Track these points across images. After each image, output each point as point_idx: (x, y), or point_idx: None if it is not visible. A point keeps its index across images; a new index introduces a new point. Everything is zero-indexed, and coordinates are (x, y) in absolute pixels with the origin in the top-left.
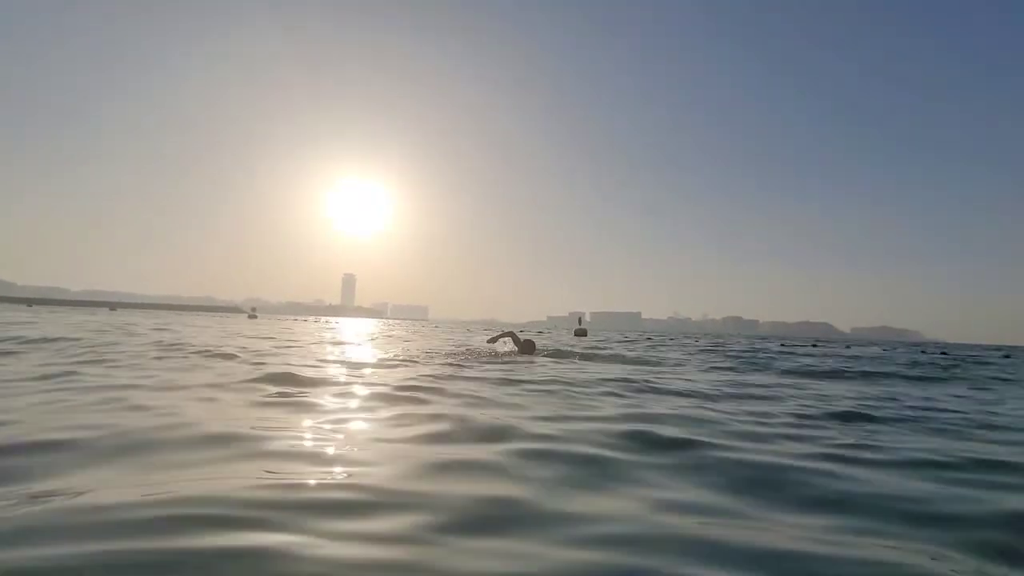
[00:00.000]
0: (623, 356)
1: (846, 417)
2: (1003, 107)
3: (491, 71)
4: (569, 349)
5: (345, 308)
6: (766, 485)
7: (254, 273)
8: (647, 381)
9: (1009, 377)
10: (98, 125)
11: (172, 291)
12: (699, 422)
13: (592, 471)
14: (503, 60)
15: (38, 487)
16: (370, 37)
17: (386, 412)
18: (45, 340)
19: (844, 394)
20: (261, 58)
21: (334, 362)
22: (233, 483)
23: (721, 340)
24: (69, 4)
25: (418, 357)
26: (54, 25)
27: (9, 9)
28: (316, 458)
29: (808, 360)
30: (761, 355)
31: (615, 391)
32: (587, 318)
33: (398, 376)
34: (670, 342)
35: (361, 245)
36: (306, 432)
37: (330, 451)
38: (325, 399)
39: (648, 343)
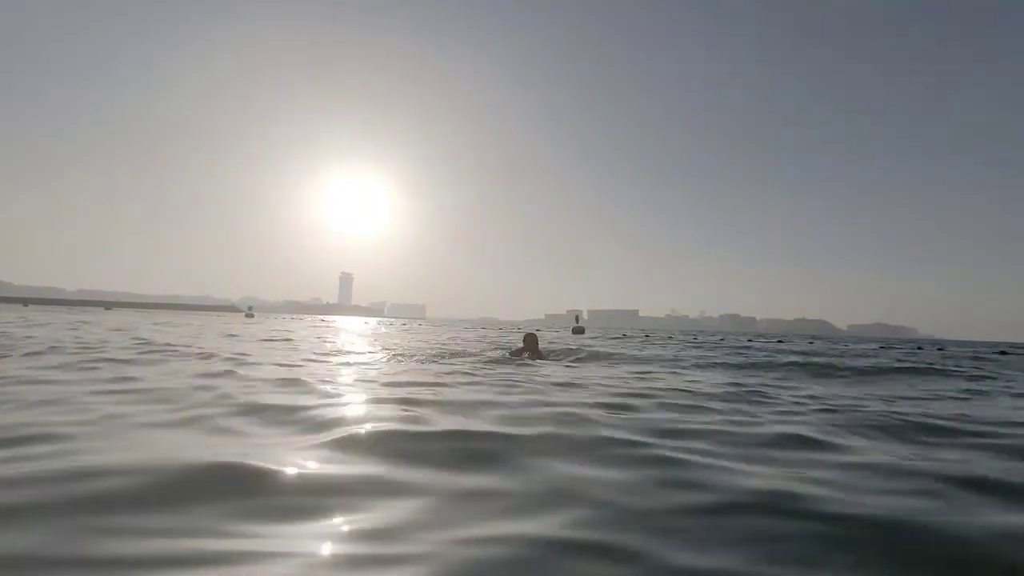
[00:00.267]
0: (604, 354)
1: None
2: (1001, 105)
3: (490, 70)
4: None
5: (342, 307)
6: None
7: (251, 272)
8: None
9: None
10: (96, 124)
11: (170, 291)
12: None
13: None
14: (502, 59)
15: None
16: (370, 37)
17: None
18: None
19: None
20: (259, 56)
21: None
22: None
23: (721, 338)
24: (59, 2)
25: (401, 357)
26: (50, 23)
27: (5, 9)
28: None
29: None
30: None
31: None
32: (584, 316)
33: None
34: (657, 341)
35: (359, 244)
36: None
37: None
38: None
39: (640, 341)
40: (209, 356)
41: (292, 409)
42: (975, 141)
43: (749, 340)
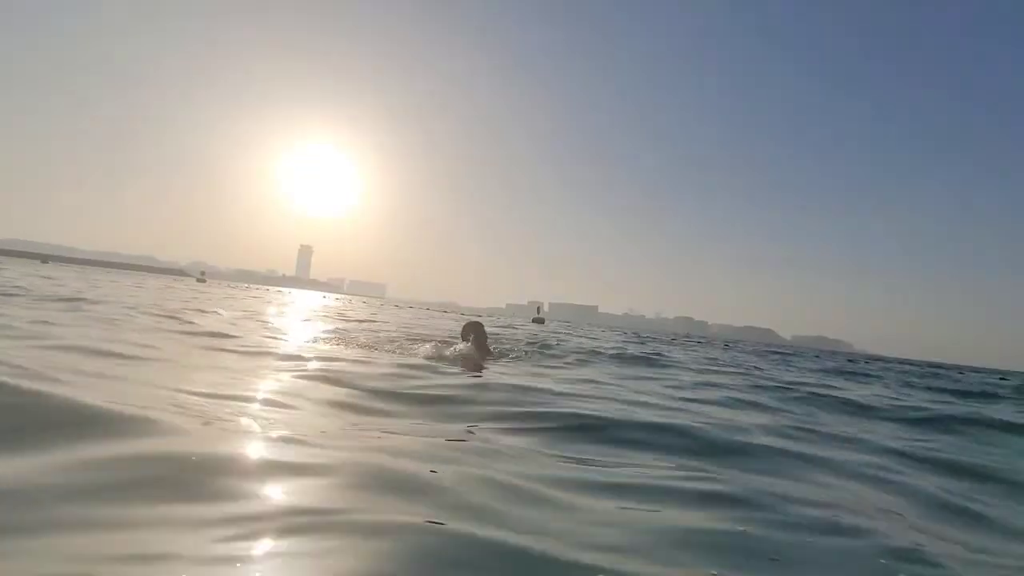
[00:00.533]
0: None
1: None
2: (948, 123)
3: (466, 53)
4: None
5: (300, 280)
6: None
7: (202, 236)
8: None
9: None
10: (32, 56)
11: (109, 247)
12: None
13: None
14: (478, 44)
15: None
16: (345, 7)
17: None
18: None
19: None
20: (222, 11)
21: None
22: None
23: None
24: None
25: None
26: None
27: None
28: None
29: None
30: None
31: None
32: (545, 308)
33: None
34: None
35: (321, 217)
36: None
37: None
38: None
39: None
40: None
41: None
42: (932, 164)
43: (700, 340)
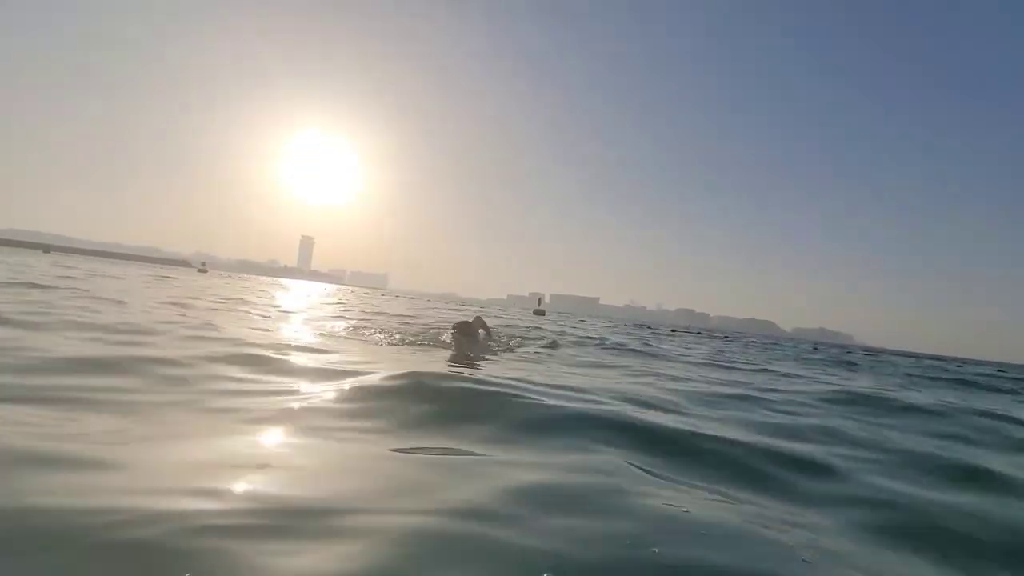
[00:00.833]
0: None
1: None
2: (948, 121)
3: (468, 44)
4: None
5: (301, 271)
6: None
7: (205, 227)
8: None
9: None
10: (40, 52)
11: (112, 238)
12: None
13: None
14: (482, 37)
15: None
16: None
17: None
18: None
19: None
20: (224, 1)
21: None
22: None
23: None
24: None
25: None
26: None
27: None
28: None
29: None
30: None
31: None
32: (546, 300)
33: None
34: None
35: (322, 208)
36: None
37: None
38: None
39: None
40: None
41: None
42: (931, 160)
43: (699, 332)
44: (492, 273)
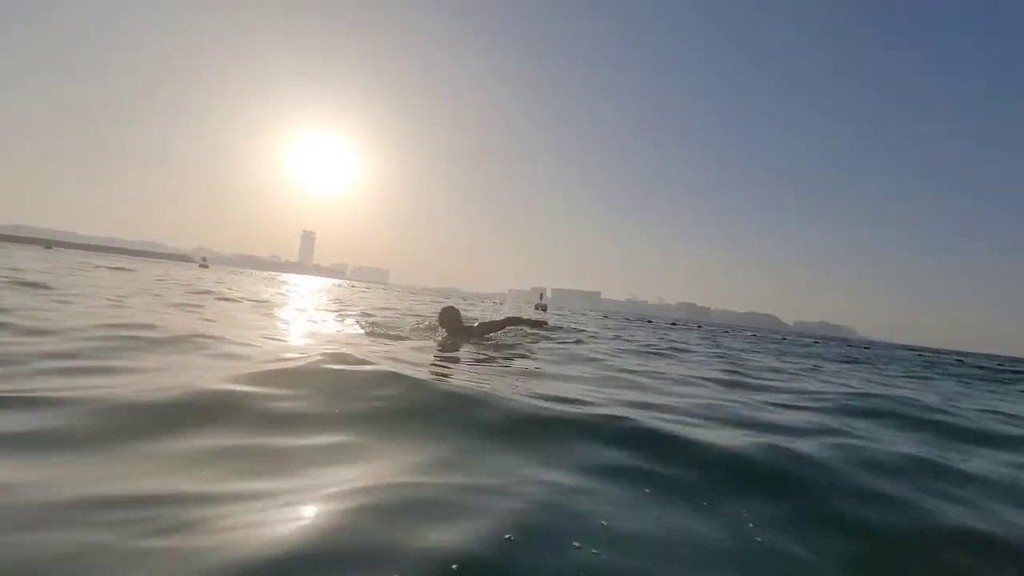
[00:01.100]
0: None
1: None
2: (949, 117)
3: (470, 42)
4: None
5: (302, 266)
6: None
7: (206, 222)
8: None
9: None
10: (39, 47)
11: (113, 233)
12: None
13: None
14: (484, 29)
15: None
16: None
17: None
18: None
19: None
20: None
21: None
22: None
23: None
24: None
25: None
26: None
27: None
28: None
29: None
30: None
31: None
32: (548, 294)
33: None
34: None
35: (323, 203)
36: None
37: None
38: None
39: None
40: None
41: None
42: (933, 158)
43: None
44: (493, 268)
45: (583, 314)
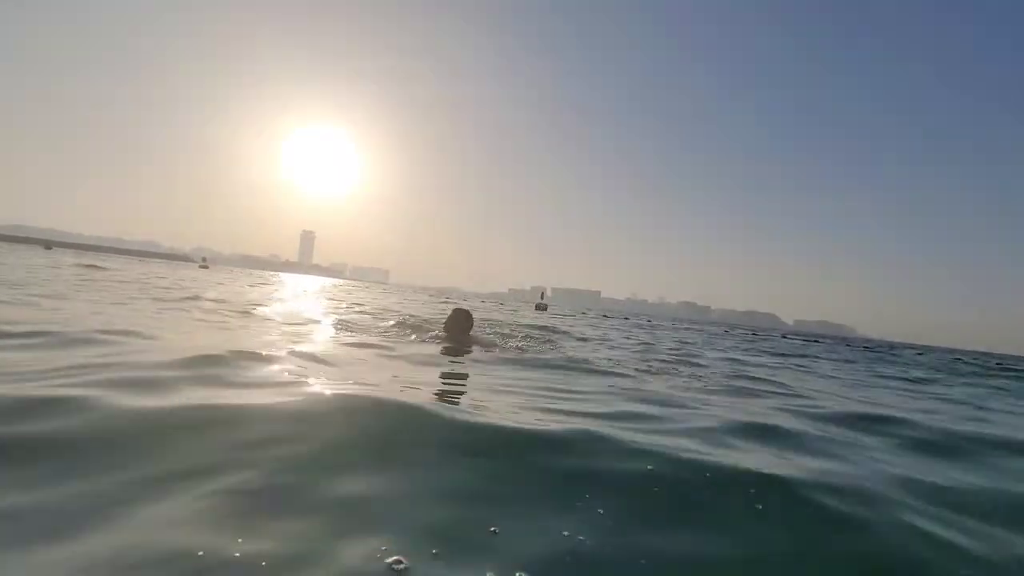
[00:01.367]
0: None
1: None
2: (950, 115)
3: (469, 39)
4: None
5: (302, 265)
6: None
7: (205, 221)
8: None
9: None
10: (39, 48)
11: (111, 232)
12: None
13: None
14: (482, 28)
15: None
16: None
17: None
18: None
19: None
20: None
21: None
22: None
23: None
24: None
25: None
26: None
27: None
28: None
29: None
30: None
31: None
32: (548, 294)
33: None
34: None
35: (323, 203)
36: None
37: None
38: None
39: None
40: None
41: None
42: (938, 152)
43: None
44: (493, 267)
45: (583, 313)
